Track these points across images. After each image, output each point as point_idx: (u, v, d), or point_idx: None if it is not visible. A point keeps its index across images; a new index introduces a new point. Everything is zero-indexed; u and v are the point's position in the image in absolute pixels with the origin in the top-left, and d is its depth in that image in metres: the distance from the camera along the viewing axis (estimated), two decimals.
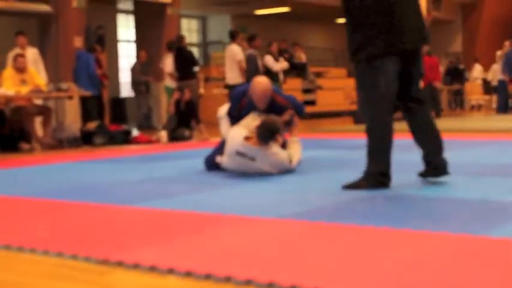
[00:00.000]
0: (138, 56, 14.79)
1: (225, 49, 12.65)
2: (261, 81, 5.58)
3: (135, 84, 15.05)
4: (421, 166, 4.52)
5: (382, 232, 3.00)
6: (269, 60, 12.78)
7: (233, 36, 12.14)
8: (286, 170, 5.23)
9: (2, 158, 8.03)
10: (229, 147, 5.20)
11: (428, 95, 15.54)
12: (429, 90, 15.48)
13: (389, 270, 2.36)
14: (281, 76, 13.03)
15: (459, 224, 3.18)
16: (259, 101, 5.50)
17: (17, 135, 9.25)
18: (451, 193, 4.13)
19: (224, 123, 5.83)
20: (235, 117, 5.65)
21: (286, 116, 5.53)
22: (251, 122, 5.34)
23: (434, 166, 4.44)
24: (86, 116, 11.28)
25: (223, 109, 5.98)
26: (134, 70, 15.06)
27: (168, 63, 12.81)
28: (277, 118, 5.29)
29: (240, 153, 5.11)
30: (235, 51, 11.83)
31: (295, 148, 5.47)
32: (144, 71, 14.88)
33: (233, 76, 11.87)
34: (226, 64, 12.11)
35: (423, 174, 4.52)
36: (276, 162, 5.17)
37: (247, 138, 5.15)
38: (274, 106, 5.57)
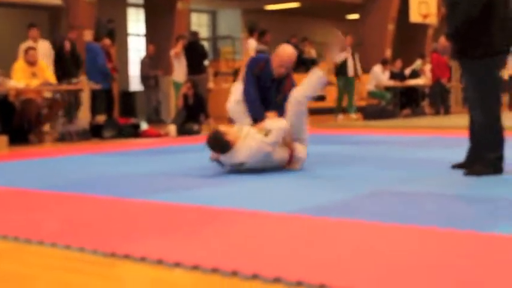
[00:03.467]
0: (147, 50, 14.79)
1: (241, 44, 12.60)
2: (289, 47, 5.63)
3: (144, 78, 15.06)
4: (431, 162, 4.53)
5: (389, 228, 2.99)
6: None
7: (251, 31, 12.03)
8: (268, 153, 5.06)
9: (12, 150, 8.07)
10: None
11: (437, 92, 15.51)
12: (438, 87, 15.44)
13: (396, 267, 2.36)
14: None
15: (467, 220, 3.17)
16: (281, 66, 5.48)
17: (26, 127, 9.28)
18: (461, 190, 4.12)
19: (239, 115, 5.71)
20: (249, 91, 5.54)
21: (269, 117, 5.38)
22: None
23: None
24: (95, 109, 11.30)
25: (234, 95, 5.75)
26: (143, 64, 15.08)
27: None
28: (225, 128, 5.14)
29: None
30: (251, 47, 11.64)
31: (273, 121, 5.22)
32: (153, 65, 14.88)
33: None
34: (244, 59, 11.94)
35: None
36: (252, 150, 5.00)
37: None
38: (283, 82, 5.56)
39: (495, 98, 4.65)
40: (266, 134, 5.04)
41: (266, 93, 5.57)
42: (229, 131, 5.08)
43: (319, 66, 5.49)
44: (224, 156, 5.09)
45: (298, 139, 5.30)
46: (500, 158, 4.65)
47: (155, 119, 14.61)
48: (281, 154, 5.17)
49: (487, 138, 4.66)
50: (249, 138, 5.04)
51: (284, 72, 5.53)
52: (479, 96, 4.63)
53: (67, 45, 10.98)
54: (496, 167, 4.62)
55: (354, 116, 14.05)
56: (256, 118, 5.42)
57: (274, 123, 5.15)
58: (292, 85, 5.65)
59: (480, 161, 4.66)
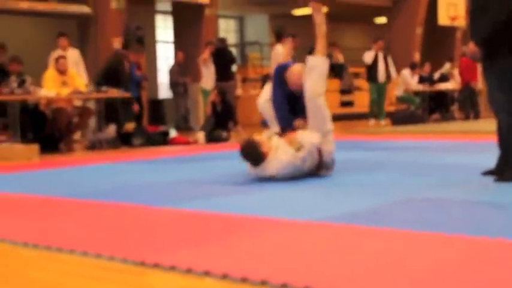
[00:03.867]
0: (175, 57, 14.81)
1: (270, 50, 12.53)
2: (296, 68, 5.49)
3: (173, 85, 15.08)
4: (461, 168, 4.51)
5: (418, 236, 2.98)
6: None
7: (278, 36, 11.88)
8: (298, 165, 5.04)
9: (43, 158, 8.16)
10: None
11: (466, 96, 15.37)
12: (467, 91, 15.30)
13: (425, 275, 2.34)
14: None
15: (497, 228, 3.14)
16: (295, 84, 5.41)
17: (57, 136, 9.38)
18: (491, 197, 4.08)
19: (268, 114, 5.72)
20: (276, 99, 5.50)
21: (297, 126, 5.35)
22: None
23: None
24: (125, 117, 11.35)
25: (265, 93, 5.75)
26: (172, 71, 15.12)
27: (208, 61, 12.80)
28: (260, 138, 5.09)
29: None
30: (278, 52, 11.38)
31: (305, 134, 5.15)
32: (182, 72, 14.92)
33: None
34: (272, 65, 11.79)
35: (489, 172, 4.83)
36: (283, 164, 4.98)
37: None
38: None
39: None
40: (298, 149, 5.00)
41: (295, 101, 5.46)
42: (263, 142, 5.02)
43: (317, 49, 5.34)
44: (254, 169, 5.08)
45: (323, 131, 5.18)
46: None
47: (184, 126, 14.64)
48: (310, 161, 5.14)
49: None
50: (280, 151, 5.00)
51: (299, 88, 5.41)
52: (506, 99, 4.59)
53: (127, 65, 10.87)
54: None
55: (383, 122, 13.97)
56: (285, 127, 5.39)
57: (306, 137, 5.08)
58: None
59: (510, 167, 4.61)
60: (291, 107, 5.49)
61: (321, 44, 5.37)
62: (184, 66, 14.91)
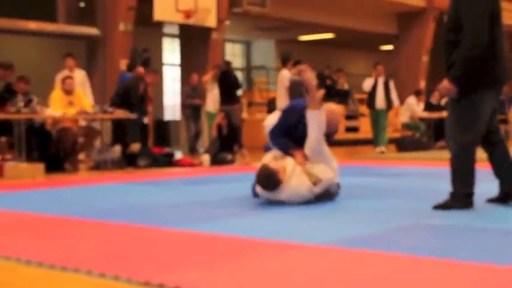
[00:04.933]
0: (190, 79, 14.40)
1: (276, 74, 12.49)
2: (337, 109, 5.62)
3: (185, 107, 14.65)
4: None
5: (423, 262, 2.96)
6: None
7: (284, 61, 11.82)
8: (311, 196, 5.08)
9: (48, 177, 8.16)
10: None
11: None
12: None
13: None
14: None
15: (505, 255, 3.13)
16: (333, 126, 5.46)
17: (62, 155, 9.39)
18: (498, 224, 4.07)
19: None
20: (282, 131, 5.47)
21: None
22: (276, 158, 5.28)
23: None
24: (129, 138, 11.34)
25: (271, 120, 5.75)
26: (184, 93, 14.67)
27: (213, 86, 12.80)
28: (276, 166, 5.06)
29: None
30: (284, 77, 11.26)
31: (320, 168, 5.15)
32: (195, 95, 14.51)
33: (283, 102, 11.44)
34: (278, 90, 11.62)
35: (493, 200, 4.85)
36: (298, 194, 5.02)
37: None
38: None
39: (475, 132, 4.58)
40: (315, 183, 5.03)
41: (299, 138, 5.39)
42: (280, 169, 5.02)
43: (310, 105, 5.29)
44: (267, 192, 5.08)
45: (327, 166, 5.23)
46: (470, 195, 4.60)
47: (193, 148, 14.24)
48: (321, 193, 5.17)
49: (457, 170, 4.61)
50: (296, 181, 5.00)
51: (335, 129, 5.53)
52: (459, 128, 4.57)
53: (141, 88, 10.88)
54: (466, 203, 4.58)
55: (377, 149, 13.40)
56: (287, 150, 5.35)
57: (325, 172, 5.11)
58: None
59: (452, 195, 4.62)
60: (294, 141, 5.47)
61: (311, 100, 5.32)
62: (197, 88, 14.54)
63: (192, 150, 13.52)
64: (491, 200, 4.85)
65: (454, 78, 4.48)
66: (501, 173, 4.76)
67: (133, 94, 10.50)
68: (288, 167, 5.07)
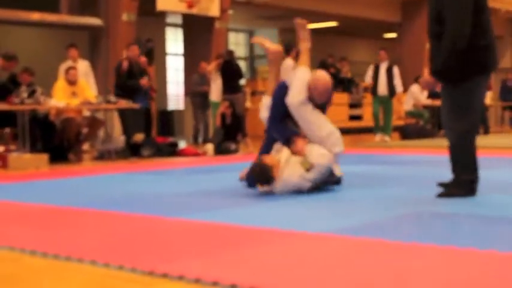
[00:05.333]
0: (198, 67, 14.17)
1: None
2: (323, 75, 5.32)
3: (194, 95, 14.44)
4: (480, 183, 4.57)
5: (425, 249, 2.97)
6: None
7: (287, 50, 11.73)
8: (307, 184, 5.02)
9: (52, 168, 8.18)
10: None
11: None
12: None
13: None
14: None
15: (507, 242, 3.13)
16: (321, 96, 5.27)
17: (66, 146, 9.40)
18: (501, 211, 4.07)
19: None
20: (279, 116, 5.38)
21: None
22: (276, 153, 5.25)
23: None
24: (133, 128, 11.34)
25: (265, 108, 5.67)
26: (193, 81, 14.45)
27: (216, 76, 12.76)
28: (271, 161, 5.03)
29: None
30: (288, 66, 11.04)
31: (315, 151, 5.06)
32: (203, 82, 14.27)
33: None
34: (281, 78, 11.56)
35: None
36: (289, 184, 4.98)
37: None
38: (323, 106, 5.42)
39: (474, 117, 4.59)
40: (308, 169, 4.97)
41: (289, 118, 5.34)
42: (275, 164, 4.99)
43: (301, 60, 5.31)
44: (262, 186, 5.09)
45: (320, 137, 5.13)
46: (473, 182, 4.60)
47: (204, 137, 14.03)
48: (320, 179, 5.09)
49: (460, 157, 4.60)
50: (290, 169, 4.97)
51: (327, 98, 5.38)
52: (458, 115, 4.56)
53: (125, 65, 10.79)
54: (469, 190, 4.58)
55: (386, 138, 13.38)
56: (288, 138, 5.29)
57: (319, 157, 5.01)
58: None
59: (455, 182, 4.63)
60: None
61: (303, 57, 5.37)
62: (205, 76, 14.31)
63: (198, 140, 13.46)
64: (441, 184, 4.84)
65: (434, 72, 4.48)
66: None
67: (117, 73, 10.51)
68: (282, 159, 5.05)
